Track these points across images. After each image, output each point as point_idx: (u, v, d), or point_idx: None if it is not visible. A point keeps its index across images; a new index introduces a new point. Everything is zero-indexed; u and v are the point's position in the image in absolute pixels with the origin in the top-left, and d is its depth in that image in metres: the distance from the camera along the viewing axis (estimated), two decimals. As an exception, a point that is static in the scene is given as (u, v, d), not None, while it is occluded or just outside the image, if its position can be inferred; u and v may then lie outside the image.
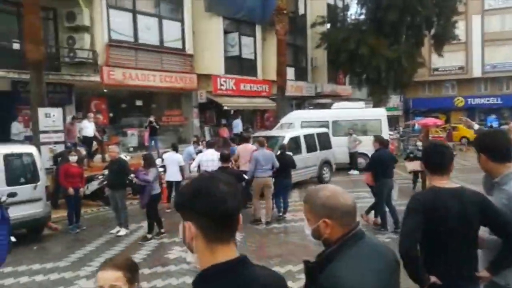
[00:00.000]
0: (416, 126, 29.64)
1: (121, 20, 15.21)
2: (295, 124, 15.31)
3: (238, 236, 7.59)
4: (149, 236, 7.49)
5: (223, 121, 20.40)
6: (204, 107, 19.08)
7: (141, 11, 15.92)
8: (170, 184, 10.33)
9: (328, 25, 25.09)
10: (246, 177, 8.41)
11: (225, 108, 18.54)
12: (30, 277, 5.78)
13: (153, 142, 15.15)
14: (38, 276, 5.83)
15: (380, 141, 7.92)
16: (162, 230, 7.67)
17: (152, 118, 15.39)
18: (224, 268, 1.26)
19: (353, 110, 16.18)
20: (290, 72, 21.09)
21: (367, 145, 14.76)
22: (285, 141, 11.65)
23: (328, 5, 25.71)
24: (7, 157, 7.06)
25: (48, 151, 9.84)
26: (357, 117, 15.69)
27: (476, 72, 36.41)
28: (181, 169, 10.07)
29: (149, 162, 7.78)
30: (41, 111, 10.13)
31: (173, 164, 10.02)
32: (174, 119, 18.37)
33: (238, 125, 18.64)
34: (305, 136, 12.54)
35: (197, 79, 17.64)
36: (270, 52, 20.47)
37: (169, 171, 10.11)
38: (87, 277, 5.79)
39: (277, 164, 8.67)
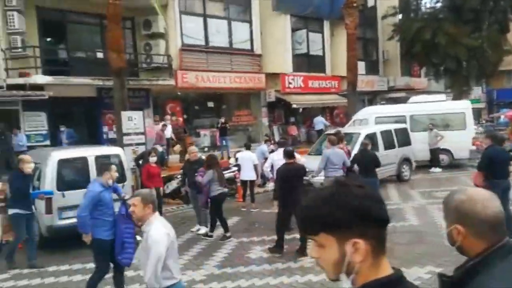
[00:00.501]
0: (502, 119, 27.12)
1: (192, 25, 15.72)
2: (369, 120, 14.69)
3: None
4: (227, 234, 7.57)
5: (292, 119, 20.29)
6: (272, 106, 19.11)
7: (211, 15, 16.32)
8: (244, 182, 10.40)
9: (400, 16, 23.83)
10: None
11: (294, 106, 18.41)
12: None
13: (224, 142, 15.44)
14: (129, 271, 6.08)
15: (492, 137, 7.17)
16: (227, 234, 7.58)
17: (223, 119, 15.75)
18: (387, 282, 1.10)
19: (433, 103, 15.12)
20: (361, 66, 20.29)
21: (449, 141, 13.84)
22: (361, 138, 11.17)
23: (400, -5, 24.42)
24: (98, 159, 7.51)
25: (131, 152, 10.37)
26: (437, 111, 14.64)
27: None
28: (255, 168, 10.10)
29: (209, 164, 7.75)
30: (124, 115, 10.72)
31: (247, 163, 10.10)
32: (244, 119, 18.59)
33: (319, 122, 18.38)
34: (382, 133, 11.95)
35: (265, 78, 17.70)
36: (339, 48, 19.93)
37: (243, 170, 10.19)
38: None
39: (348, 163, 8.52)
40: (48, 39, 14.00)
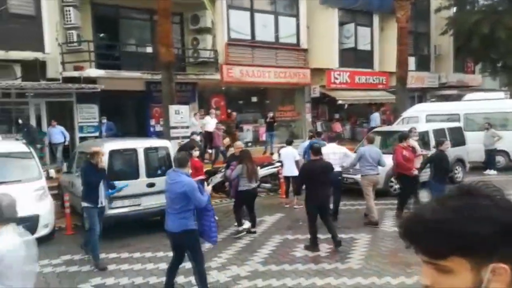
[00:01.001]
0: None
1: (239, 19, 15.72)
2: (419, 118, 14.04)
3: (365, 237, 7.17)
4: (253, 229, 7.59)
5: (336, 116, 19.84)
6: (316, 101, 18.79)
7: (258, 9, 16.24)
8: (287, 179, 10.27)
9: (455, 9, 22.58)
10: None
11: (340, 102, 17.99)
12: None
13: (270, 137, 15.36)
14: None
15: None
16: (253, 230, 7.57)
17: (271, 114, 15.69)
18: None
19: (490, 101, 14.21)
20: (411, 62, 19.51)
21: (507, 142, 12.96)
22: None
23: (455, -13, 23.13)
24: (147, 151, 7.67)
25: (177, 145, 10.51)
26: (495, 110, 13.74)
27: None
28: (297, 164, 9.95)
29: (241, 158, 7.69)
30: (172, 108, 10.90)
31: (289, 159, 9.97)
32: (287, 114, 18.42)
33: (375, 119, 17.91)
34: (435, 131, 11.36)
35: (310, 73, 17.41)
36: (388, 42, 19.23)
37: (285, 166, 10.06)
38: (218, 269, 5.95)
39: (384, 163, 8.35)
40: (101, 34, 14.49)
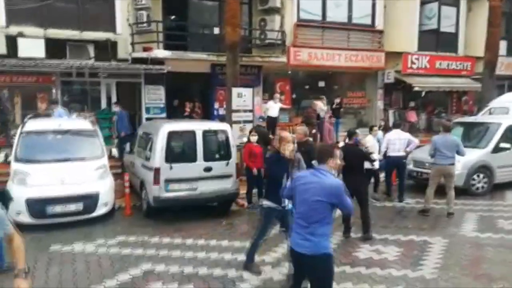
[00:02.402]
0: None
1: (310, -1, 14.88)
2: (510, 109, 12.33)
3: (441, 241, 6.30)
4: None
5: (411, 104, 18.30)
6: (390, 88, 17.42)
7: (331, -12, 15.24)
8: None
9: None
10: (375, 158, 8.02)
11: (416, 89, 16.49)
12: (220, 254, 5.84)
13: (335, 125, 14.52)
14: (227, 254, 5.85)
15: None
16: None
17: (338, 99, 14.83)
18: None
19: None
20: (502, 46, 17.26)
21: None
22: (501, 130, 9.38)
23: None
24: (205, 133, 7.40)
25: (238, 130, 10.20)
26: None
27: None
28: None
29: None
30: (235, 91, 10.56)
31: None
32: (356, 101, 17.32)
33: None
34: (532, 126, 9.86)
35: (385, 57, 16.12)
36: (476, 25, 17.23)
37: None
38: (272, 264, 5.51)
39: (463, 152, 7.79)
40: (171, 17, 14.48)
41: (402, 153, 8.85)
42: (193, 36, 14.41)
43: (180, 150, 7.50)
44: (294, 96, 15.91)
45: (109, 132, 12.18)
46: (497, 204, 8.57)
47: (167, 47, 12.82)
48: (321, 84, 16.69)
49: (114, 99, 13.06)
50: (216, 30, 14.39)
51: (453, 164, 7.77)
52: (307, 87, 16.62)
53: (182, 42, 13.52)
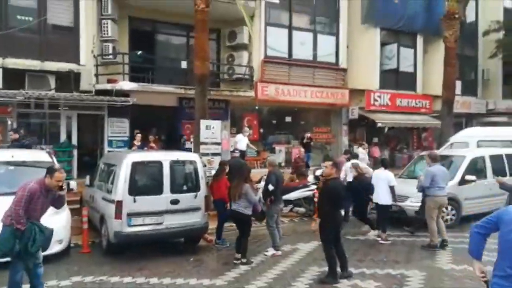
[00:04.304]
0: None
1: (277, 36, 15.26)
2: (470, 144, 12.79)
3: (418, 274, 6.11)
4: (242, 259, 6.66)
5: (375, 140, 18.74)
6: (354, 124, 17.81)
7: (297, 27, 15.74)
8: (381, 208, 9.19)
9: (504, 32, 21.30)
10: None
11: (379, 125, 16.93)
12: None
13: (306, 158, 14.47)
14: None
15: None
16: (243, 260, 6.63)
17: (308, 134, 14.94)
18: None
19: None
20: (457, 86, 18.27)
21: None
22: (466, 162, 9.60)
23: (505, 9, 21.92)
24: (173, 164, 7.03)
25: (206, 162, 9.88)
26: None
27: None
28: (392, 190, 8.91)
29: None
30: (203, 123, 10.34)
31: (383, 184, 8.80)
32: (322, 136, 17.53)
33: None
34: (492, 157, 10.18)
35: (349, 94, 16.57)
36: (432, 65, 18.25)
37: (377, 192, 9.02)
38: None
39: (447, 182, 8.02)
40: (138, 51, 14.28)
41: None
42: (160, 69, 14.26)
43: (145, 181, 7.04)
44: (261, 130, 15.87)
45: (68, 165, 11.48)
46: (467, 236, 8.54)
47: (132, 80, 12.54)
48: (288, 119, 16.84)
49: (74, 132, 12.46)
50: (184, 64, 14.33)
51: (446, 195, 7.98)
52: (274, 122, 16.70)
53: (149, 75, 13.32)
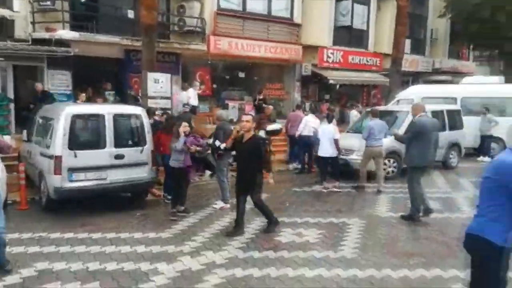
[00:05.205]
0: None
1: (229, -13, 14.62)
2: (414, 101, 13.27)
3: (358, 222, 6.43)
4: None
5: (326, 96, 19.01)
6: (306, 80, 17.87)
7: (251, -23, 15.12)
8: (324, 160, 9.34)
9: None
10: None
11: (331, 82, 17.10)
12: (132, 247, 5.30)
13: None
14: (140, 246, 5.34)
15: None
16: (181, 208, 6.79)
17: (261, 96, 14.62)
18: None
19: (489, 85, 13.55)
20: (406, 44, 18.67)
21: (503, 128, 12.33)
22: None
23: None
24: (116, 117, 6.72)
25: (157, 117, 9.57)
26: (493, 94, 13.08)
27: None
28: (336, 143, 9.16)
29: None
30: (150, 76, 9.92)
31: (326, 138, 8.99)
32: (275, 92, 17.47)
33: (352, 117, 16.56)
34: (433, 113, 10.61)
35: (302, 50, 16.47)
36: (384, 23, 18.45)
37: (322, 145, 9.09)
38: (191, 254, 5.12)
39: (388, 134, 8.73)
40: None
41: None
42: (105, 18, 13.27)
43: (86, 135, 6.72)
44: (214, 85, 15.55)
45: (4, 120, 10.72)
46: (406, 186, 9.05)
47: (74, 29, 11.64)
48: (241, 75, 16.58)
49: (10, 84, 11.54)
50: (131, 14, 13.45)
51: (382, 145, 8.72)
52: (227, 77, 16.38)
53: (92, 24, 12.39)
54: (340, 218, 6.66)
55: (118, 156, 6.61)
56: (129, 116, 7.05)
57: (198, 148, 6.82)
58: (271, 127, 11.49)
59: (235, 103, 16.26)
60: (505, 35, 18.20)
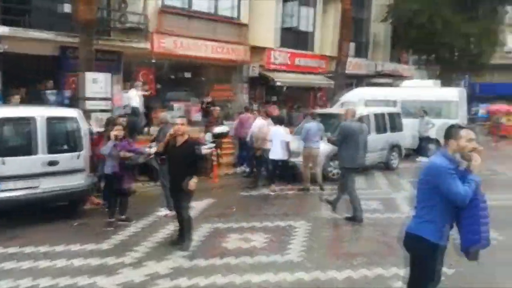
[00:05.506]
0: (481, 113, 27.12)
1: (174, -16, 14.24)
2: (358, 103, 13.76)
3: (305, 225, 6.46)
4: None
5: (273, 98, 19.17)
6: (254, 82, 17.90)
7: (196, -24, 14.83)
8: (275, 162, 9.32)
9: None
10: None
11: (278, 83, 17.25)
12: (68, 260, 4.94)
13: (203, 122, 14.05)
14: (77, 259, 4.98)
15: None
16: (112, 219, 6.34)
17: (209, 99, 14.38)
18: None
19: (426, 89, 14.36)
20: (351, 47, 19.34)
21: (439, 130, 13.11)
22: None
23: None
24: (50, 121, 6.23)
25: (94, 119, 9.07)
26: (430, 98, 13.88)
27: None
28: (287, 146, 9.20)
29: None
30: (89, 76, 9.37)
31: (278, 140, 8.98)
32: (223, 94, 17.29)
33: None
34: (376, 115, 11.05)
35: (249, 51, 16.44)
36: (329, 26, 18.90)
37: (273, 148, 9.07)
38: (133, 265, 4.86)
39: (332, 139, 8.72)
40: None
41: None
42: (39, 12, 12.37)
43: (16, 141, 6.17)
44: (159, 86, 15.07)
45: None
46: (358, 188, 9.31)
47: (4, 23, 10.74)
48: (188, 75, 16.22)
49: None
50: (68, 8, 12.65)
51: (319, 147, 9.06)
52: (172, 77, 15.97)
53: (25, 18, 11.50)
54: (286, 221, 6.67)
55: (52, 163, 6.14)
56: (64, 119, 6.57)
57: (128, 154, 6.28)
58: (218, 129, 11.37)
59: (180, 104, 15.89)
60: (441, 41, 19.40)
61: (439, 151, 3.16)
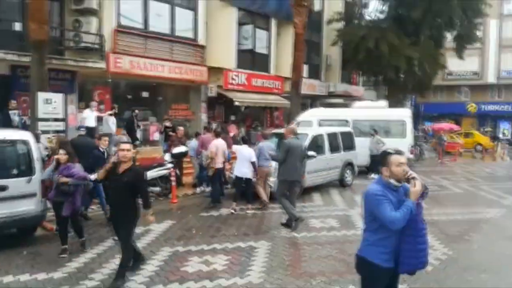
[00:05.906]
0: (431, 131, 28.88)
1: (131, 5, 14.20)
2: (313, 123, 14.24)
3: (265, 244, 6.55)
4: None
5: (232, 118, 19.39)
6: (212, 102, 18.05)
7: (153, -4, 14.88)
8: (239, 180, 9.41)
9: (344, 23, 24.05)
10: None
11: (236, 103, 17.51)
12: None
13: (165, 146, 13.88)
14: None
15: None
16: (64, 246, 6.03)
17: (168, 123, 14.26)
18: None
19: (376, 109, 15.13)
20: (304, 69, 20.05)
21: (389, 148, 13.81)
22: (308, 139, 10.59)
23: (346, 2, 24.66)
24: (-1, 145, 5.98)
25: (46, 141, 8.76)
26: (380, 117, 14.63)
27: (491, 78, 35.44)
28: (253, 165, 9.30)
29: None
30: (41, 96, 9.08)
31: (243, 159, 9.21)
32: (181, 113, 17.31)
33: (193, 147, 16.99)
34: (329, 135, 11.47)
35: (207, 71, 16.61)
36: (284, 48, 19.52)
37: (238, 166, 9.33)
38: None
39: (273, 156, 8.93)
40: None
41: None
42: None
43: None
44: (115, 105, 14.74)
45: None
46: (307, 206, 9.59)
47: None
48: (145, 94, 16.10)
49: None
50: (18, 26, 12.24)
51: (271, 166, 9.30)
52: (129, 97, 15.75)
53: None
54: (247, 241, 6.72)
55: (1, 188, 5.86)
56: (13, 142, 6.31)
57: (64, 180, 5.84)
58: (177, 149, 11.31)
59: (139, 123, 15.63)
60: (388, 64, 20.60)
61: (376, 177, 3.35)
